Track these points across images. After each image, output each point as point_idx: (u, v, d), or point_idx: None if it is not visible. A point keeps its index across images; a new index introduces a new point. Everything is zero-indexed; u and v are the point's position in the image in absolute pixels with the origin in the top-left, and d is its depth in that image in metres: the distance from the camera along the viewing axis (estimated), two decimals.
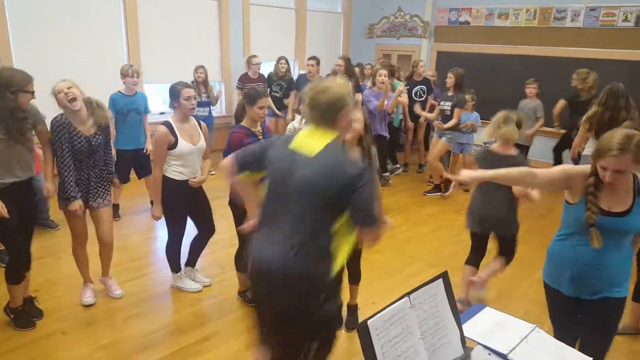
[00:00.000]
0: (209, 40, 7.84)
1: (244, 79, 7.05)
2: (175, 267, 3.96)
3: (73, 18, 6.24)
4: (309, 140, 2.12)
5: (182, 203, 3.68)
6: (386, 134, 6.06)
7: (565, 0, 7.47)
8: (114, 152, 4.97)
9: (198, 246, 4.03)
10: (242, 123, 3.55)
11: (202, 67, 6.58)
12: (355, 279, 3.48)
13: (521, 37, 7.93)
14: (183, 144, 3.54)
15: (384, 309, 1.58)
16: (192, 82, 6.52)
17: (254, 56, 7.11)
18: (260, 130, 3.55)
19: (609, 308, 2.37)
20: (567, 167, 2.40)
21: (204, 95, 6.58)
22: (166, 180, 3.58)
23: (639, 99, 6.82)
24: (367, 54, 9.83)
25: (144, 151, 5.30)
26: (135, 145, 5.21)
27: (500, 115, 3.59)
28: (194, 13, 7.52)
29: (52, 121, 3.30)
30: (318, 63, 6.91)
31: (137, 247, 4.71)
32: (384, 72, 5.89)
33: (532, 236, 5.35)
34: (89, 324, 3.46)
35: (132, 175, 5.40)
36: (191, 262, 4.08)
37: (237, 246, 3.75)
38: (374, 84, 6.06)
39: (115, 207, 5.45)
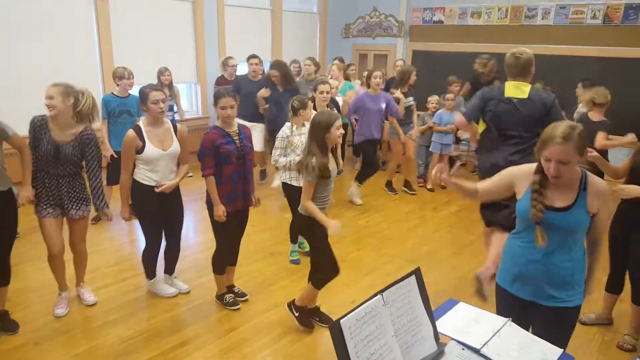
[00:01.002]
0: (184, 41, 7.76)
1: (220, 82, 6.96)
2: (150, 274, 3.88)
3: (44, 21, 6.11)
4: (517, 90, 3.56)
5: (153, 208, 3.58)
6: (378, 137, 6.12)
7: None
8: (106, 154, 4.93)
9: (170, 256, 3.96)
10: (217, 124, 3.53)
11: (168, 69, 6.47)
12: None
13: (494, 35, 8.03)
14: (150, 149, 3.44)
15: (357, 307, 1.58)
16: (157, 84, 6.45)
17: (230, 58, 7.04)
18: (237, 131, 3.52)
19: (560, 317, 2.26)
20: (512, 168, 2.34)
21: (168, 98, 6.47)
22: (137, 185, 3.52)
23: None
24: (344, 54, 9.82)
25: None
26: None
27: None
28: (167, 14, 7.43)
29: (30, 120, 3.28)
30: (261, 62, 6.54)
31: (114, 252, 4.64)
32: (379, 73, 5.85)
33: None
34: (63, 333, 3.39)
35: None
36: (168, 269, 4.01)
37: (214, 249, 3.72)
38: (368, 86, 6.02)
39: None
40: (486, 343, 1.75)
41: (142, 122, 3.51)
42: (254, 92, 6.21)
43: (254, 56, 6.40)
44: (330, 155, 3.20)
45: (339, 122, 3.15)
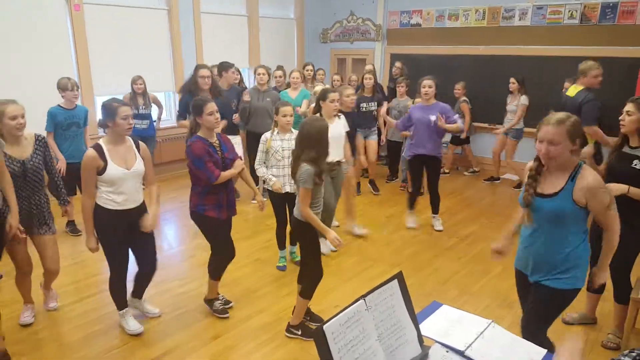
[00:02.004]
0: (161, 50, 7.68)
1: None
2: (120, 304, 3.52)
3: (18, 32, 5.99)
4: (573, 90, 4.73)
5: (119, 234, 3.25)
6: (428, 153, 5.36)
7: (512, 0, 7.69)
8: (61, 165, 4.84)
9: (141, 280, 3.64)
10: (199, 134, 3.45)
11: (141, 77, 6.36)
12: None
13: (472, 37, 8.11)
14: (114, 169, 3.11)
15: (340, 312, 1.56)
16: (130, 93, 6.36)
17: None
18: (217, 142, 3.50)
19: (541, 294, 2.50)
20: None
21: (142, 107, 6.40)
22: (98, 210, 3.17)
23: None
24: (322, 59, 9.87)
25: None
26: (78, 159, 4.99)
27: None
28: (143, 22, 7.34)
29: None
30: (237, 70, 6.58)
31: (93, 263, 4.54)
32: (428, 82, 5.12)
33: (491, 233, 5.47)
34: (42, 347, 3.31)
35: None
36: (137, 293, 3.69)
37: (210, 254, 3.70)
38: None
39: (72, 223, 5.29)
40: (470, 345, 1.74)
41: (102, 140, 3.16)
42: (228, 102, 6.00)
43: (230, 65, 6.30)
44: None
45: (327, 125, 3.28)
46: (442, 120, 4.99)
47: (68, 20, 6.49)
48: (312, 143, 3.12)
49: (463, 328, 1.85)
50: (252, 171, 4.57)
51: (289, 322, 3.55)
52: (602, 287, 3.49)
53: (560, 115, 2.29)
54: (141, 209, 3.30)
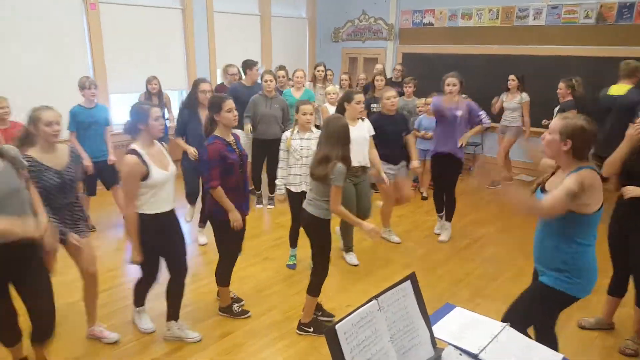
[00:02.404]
0: (174, 48, 7.73)
1: (219, 89, 6.84)
2: (139, 301, 3.51)
3: (35, 30, 6.06)
4: (619, 89, 4.90)
5: (156, 238, 3.13)
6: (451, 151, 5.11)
7: None
8: (87, 164, 4.85)
9: (176, 293, 3.41)
10: (216, 133, 3.40)
11: (156, 77, 6.34)
12: None
13: (485, 37, 8.04)
14: (157, 172, 3.01)
15: (352, 312, 1.55)
16: (145, 93, 6.37)
17: (230, 65, 6.75)
18: (234, 140, 3.48)
19: (533, 285, 2.62)
20: None
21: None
22: (143, 220, 3.05)
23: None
24: (333, 58, 9.85)
25: (108, 162, 5.18)
26: (98, 158, 5.07)
27: None
28: (158, 22, 7.40)
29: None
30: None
31: (108, 260, 4.56)
32: (452, 80, 4.85)
33: (504, 236, 5.42)
34: (62, 338, 3.30)
35: (100, 187, 5.29)
36: (173, 314, 3.44)
37: (218, 259, 3.66)
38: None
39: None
40: (484, 348, 1.71)
41: (137, 144, 3.02)
42: (246, 99, 5.99)
43: (254, 63, 6.29)
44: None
45: (347, 123, 3.33)
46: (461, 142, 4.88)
47: (84, 19, 6.56)
48: (340, 141, 3.17)
49: (477, 331, 1.83)
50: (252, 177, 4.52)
51: (300, 320, 3.55)
52: (623, 291, 3.43)
53: (571, 114, 2.42)
54: (174, 211, 3.24)
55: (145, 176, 2.96)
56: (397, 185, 4.80)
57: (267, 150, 5.63)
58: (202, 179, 3.37)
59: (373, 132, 4.47)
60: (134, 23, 7.09)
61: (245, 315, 3.71)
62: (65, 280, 3.61)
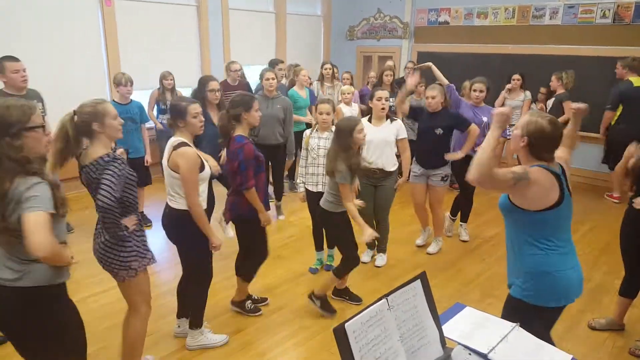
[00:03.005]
0: (189, 45, 7.77)
1: (223, 87, 6.86)
2: (200, 321, 3.32)
3: (50, 27, 6.13)
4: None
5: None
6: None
7: None
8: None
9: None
10: (240, 133, 3.34)
11: (171, 73, 6.35)
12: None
13: (501, 36, 7.98)
14: (207, 167, 3.02)
15: (362, 311, 1.55)
16: (159, 89, 6.40)
17: (233, 62, 6.70)
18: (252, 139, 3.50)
19: (504, 304, 2.52)
20: None
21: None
22: (188, 215, 2.96)
23: None
24: (348, 56, 9.84)
25: (145, 162, 5.21)
26: (133, 155, 5.03)
27: None
28: (173, 18, 7.45)
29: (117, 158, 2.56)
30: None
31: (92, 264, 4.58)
32: (479, 86, 4.93)
33: None
34: None
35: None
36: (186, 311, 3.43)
37: (244, 258, 3.66)
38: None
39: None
40: (494, 348, 1.71)
41: (183, 138, 2.96)
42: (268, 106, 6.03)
43: (280, 61, 6.36)
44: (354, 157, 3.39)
45: (360, 126, 3.37)
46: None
47: (99, 15, 6.61)
48: (342, 140, 3.29)
49: (486, 331, 1.82)
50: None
51: (314, 290, 3.71)
52: (635, 292, 3.41)
53: (537, 112, 2.38)
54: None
55: (201, 169, 2.93)
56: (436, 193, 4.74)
57: (271, 157, 5.30)
58: (236, 180, 3.29)
59: (403, 135, 4.30)
60: (149, 20, 7.14)
61: (257, 313, 3.73)
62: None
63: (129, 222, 2.60)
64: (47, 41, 6.11)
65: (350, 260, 3.60)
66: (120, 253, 2.58)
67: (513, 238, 2.42)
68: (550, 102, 6.51)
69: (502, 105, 6.74)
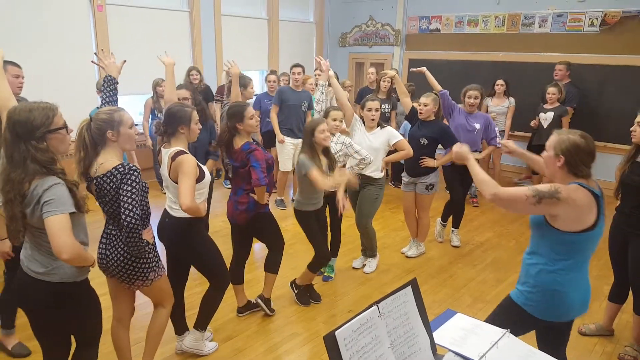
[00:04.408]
0: (182, 51, 7.75)
1: (221, 90, 6.86)
2: (207, 324, 3.32)
3: (42, 31, 6.12)
4: None
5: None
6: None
7: (532, 6, 7.62)
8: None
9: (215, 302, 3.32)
10: (244, 141, 3.36)
11: (164, 80, 6.32)
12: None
13: (491, 44, 8.06)
14: (207, 173, 3.00)
15: (353, 318, 1.55)
16: (153, 97, 6.39)
17: None
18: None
19: (500, 302, 2.53)
20: None
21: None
22: (193, 221, 2.96)
23: (609, 101, 7.04)
24: (340, 63, 9.89)
25: None
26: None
27: None
28: (165, 24, 7.44)
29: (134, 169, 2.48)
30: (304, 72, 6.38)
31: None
32: (474, 93, 5.01)
33: (507, 241, 5.41)
34: None
35: None
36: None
37: (272, 251, 3.72)
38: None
39: None
40: (484, 355, 1.72)
41: (181, 146, 2.90)
42: (298, 103, 6.02)
43: (297, 65, 6.13)
44: (321, 155, 3.63)
45: (322, 127, 3.56)
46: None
47: (91, 20, 6.60)
48: (306, 139, 3.63)
49: (477, 337, 1.83)
50: None
51: (295, 279, 3.97)
52: (623, 297, 3.44)
53: (565, 130, 2.33)
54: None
55: (200, 177, 2.89)
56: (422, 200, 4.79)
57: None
58: (252, 178, 3.29)
59: (397, 139, 4.24)
60: (141, 25, 7.13)
61: (272, 313, 3.80)
62: None
63: (148, 235, 2.59)
64: (37, 46, 6.08)
65: (324, 255, 3.82)
66: (139, 265, 2.57)
67: (534, 247, 2.35)
68: (546, 116, 6.40)
69: (486, 111, 6.74)
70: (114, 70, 3.18)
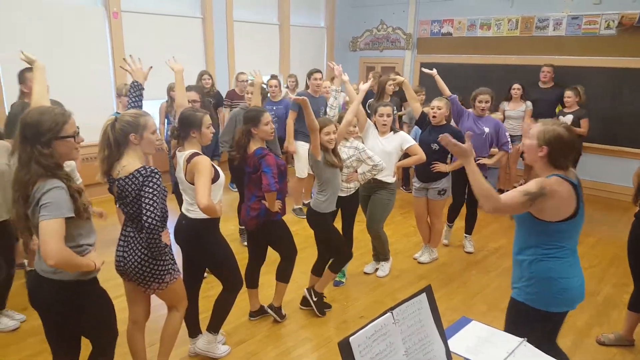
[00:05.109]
0: (194, 57, 7.82)
1: (231, 95, 6.97)
2: (219, 327, 3.33)
3: (59, 39, 6.20)
4: None
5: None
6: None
7: (546, 9, 7.55)
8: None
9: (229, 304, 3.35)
10: (258, 146, 3.37)
11: None
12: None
13: (504, 47, 8.00)
14: (222, 175, 3.04)
15: (367, 324, 1.54)
16: (167, 101, 6.43)
17: (241, 73, 6.98)
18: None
19: (507, 310, 2.54)
20: None
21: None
22: (209, 222, 3.00)
23: (625, 104, 6.95)
24: (351, 67, 9.87)
25: None
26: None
27: None
28: (178, 30, 7.50)
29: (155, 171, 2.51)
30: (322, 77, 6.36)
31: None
32: (485, 97, 4.91)
33: None
34: None
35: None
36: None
37: (283, 259, 3.71)
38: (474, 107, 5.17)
39: None
40: None
41: (193, 149, 2.94)
42: (316, 109, 6.01)
43: (317, 71, 6.05)
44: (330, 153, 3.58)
45: (328, 129, 3.50)
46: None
47: (107, 27, 6.67)
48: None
49: (493, 346, 1.80)
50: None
51: (314, 285, 3.86)
52: None
53: (551, 120, 2.36)
54: None
55: (215, 177, 2.93)
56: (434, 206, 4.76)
57: None
58: (263, 183, 3.29)
59: (410, 143, 4.23)
60: (155, 32, 7.20)
61: (282, 320, 3.79)
62: None
63: (165, 237, 2.61)
64: (55, 52, 6.16)
65: (347, 256, 3.83)
66: (156, 267, 2.60)
67: (522, 243, 2.41)
68: (566, 119, 6.25)
69: (503, 116, 6.70)
70: (141, 76, 3.33)
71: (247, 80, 6.69)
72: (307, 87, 6.52)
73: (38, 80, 3.07)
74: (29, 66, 3.38)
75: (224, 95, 7.17)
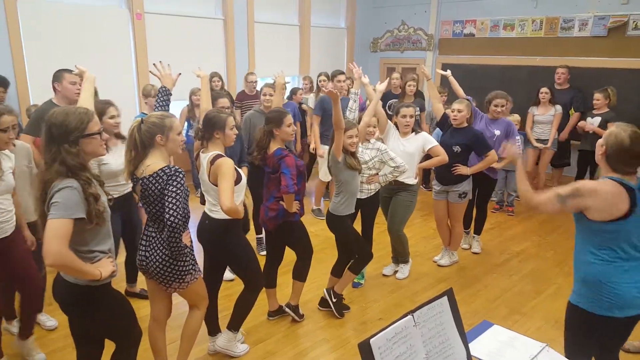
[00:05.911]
0: (216, 57, 7.87)
1: (241, 97, 6.97)
2: (240, 325, 3.36)
3: (83, 41, 6.31)
4: None
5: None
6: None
7: (572, 10, 7.41)
8: None
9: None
10: (278, 147, 3.39)
11: (199, 89, 6.36)
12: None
13: (528, 48, 7.87)
14: (243, 176, 3.07)
15: (387, 327, 1.53)
16: (188, 105, 6.46)
17: (250, 73, 7.02)
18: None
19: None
20: None
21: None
22: (230, 222, 3.01)
23: None
24: (371, 68, 9.83)
25: None
26: None
27: None
28: (200, 32, 7.57)
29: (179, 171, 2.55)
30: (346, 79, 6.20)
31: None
32: (501, 101, 4.90)
33: (545, 251, 5.26)
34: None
35: None
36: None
37: (300, 259, 3.72)
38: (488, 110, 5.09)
39: None
40: None
41: (216, 150, 2.96)
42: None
43: (340, 72, 5.96)
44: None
45: (350, 132, 3.50)
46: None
47: (130, 29, 6.77)
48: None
49: (515, 350, 1.78)
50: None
51: (334, 288, 3.86)
52: None
53: (624, 124, 2.35)
54: None
55: (238, 179, 2.96)
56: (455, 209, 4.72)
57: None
58: (281, 184, 3.31)
59: (432, 144, 4.21)
60: (178, 33, 7.27)
61: (300, 319, 3.79)
62: None
63: (186, 238, 2.66)
64: (79, 53, 6.25)
65: (368, 256, 3.82)
66: (177, 267, 2.63)
67: (578, 244, 2.43)
68: (593, 121, 6.11)
69: (532, 121, 6.61)
70: (169, 81, 3.41)
71: (255, 81, 6.80)
72: (318, 89, 6.51)
73: (85, 88, 3.29)
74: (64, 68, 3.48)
75: (234, 97, 7.18)
